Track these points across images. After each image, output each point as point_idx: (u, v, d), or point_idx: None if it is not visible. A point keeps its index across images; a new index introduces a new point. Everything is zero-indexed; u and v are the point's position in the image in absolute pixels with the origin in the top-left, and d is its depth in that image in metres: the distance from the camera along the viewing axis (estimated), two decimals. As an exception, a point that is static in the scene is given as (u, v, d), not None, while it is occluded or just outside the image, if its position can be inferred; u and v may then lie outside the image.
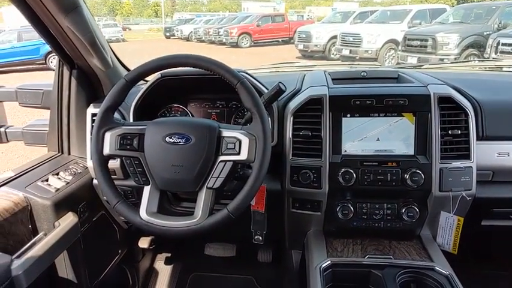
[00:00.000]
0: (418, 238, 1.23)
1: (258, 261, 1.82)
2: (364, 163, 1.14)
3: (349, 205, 1.18)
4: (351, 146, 1.17)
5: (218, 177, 0.96)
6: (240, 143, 0.96)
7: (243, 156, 0.95)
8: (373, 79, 1.38)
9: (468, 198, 1.10)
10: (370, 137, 1.16)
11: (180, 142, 0.96)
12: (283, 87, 1.11)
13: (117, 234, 1.57)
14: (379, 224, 1.18)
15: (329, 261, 1.11)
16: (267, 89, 1.21)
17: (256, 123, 0.96)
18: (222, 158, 0.96)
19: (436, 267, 1.06)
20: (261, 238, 1.23)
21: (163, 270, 1.89)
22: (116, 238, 1.57)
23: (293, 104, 1.21)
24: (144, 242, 1.71)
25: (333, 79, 1.34)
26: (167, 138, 0.97)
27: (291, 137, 1.19)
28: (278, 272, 1.80)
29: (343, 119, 1.16)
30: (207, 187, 0.96)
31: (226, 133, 0.98)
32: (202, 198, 0.96)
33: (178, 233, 0.94)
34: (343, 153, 1.16)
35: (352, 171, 1.13)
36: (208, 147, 0.96)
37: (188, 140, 0.96)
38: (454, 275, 1.03)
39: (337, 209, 1.18)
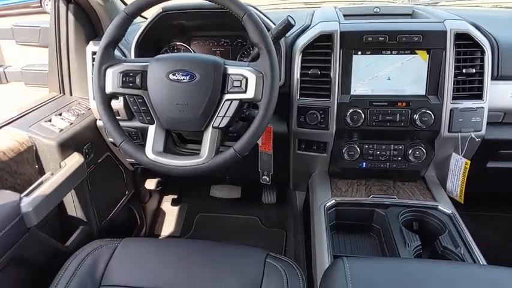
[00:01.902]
0: (422, 179, 1.23)
1: (262, 203, 1.87)
2: (374, 103, 1.11)
3: (356, 146, 1.17)
4: (360, 86, 1.13)
5: (224, 116, 0.94)
6: (247, 80, 0.92)
7: (250, 94, 0.92)
8: (386, 15, 1.31)
9: (477, 140, 1.09)
10: (381, 76, 1.12)
11: (184, 79, 0.93)
12: (292, 21, 1.05)
13: (123, 176, 1.59)
14: (385, 165, 1.18)
15: (333, 200, 1.12)
16: (275, 25, 1.15)
17: (264, 59, 0.92)
18: (228, 96, 0.93)
19: (439, 207, 1.07)
20: (268, 179, 1.24)
21: (170, 211, 1.94)
22: (123, 180, 1.59)
23: (302, 41, 1.15)
24: (150, 184, 1.74)
25: (344, 15, 1.27)
26: (171, 75, 0.93)
27: (299, 76, 1.15)
28: (282, 212, 1.85)
29: (354, 57, 1.12)
30: (212, 126, 0.94)
31: (232, 70, 0.94)
32: (209, 137, 0.95)
33: (185, 172, 0.94)
34: (352, 93, 1.13)
35: (360, 111, 1.11)
36: (214, 85, 0.92)
37: (192, 77, 0.93)
38: (456, 214, 1.05)
39: (344, 150, 1.18)
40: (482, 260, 0.90)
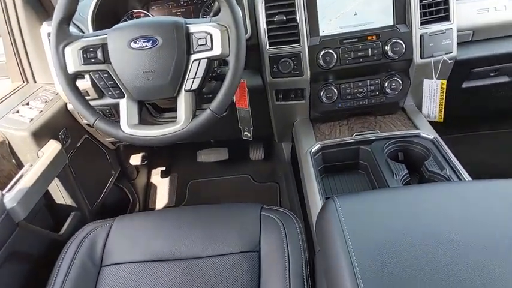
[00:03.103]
0: (402, 110, 1.25)
1: (251, 160, 1.88)
2: (344, 41, 1.09)
3: (333, 87, 1.17)
4: (328, 26, 1.11)
5: (195, 77, 0.91)
6: (211, 36, 0.89)
7: (217, 50, 0.89)
8: None
9: (450, 62, 1.09)
10: (347, 12, 1.09)
11: (146, 46, 0.89)
12: None
13: (106, 156, 1.57)
14: (364, 102, 1.18)
15: (318, 145, 1.13)
16: None
17: (225, 11, 0.89)
18: (195, 56, 0.91)
19: (422, 134, 1.09)
20: (249, 134, 1.23)
21: (161, 184, 1.94)
22: (106, 160, 1.57)
23: (262, -12, 1.11)
24: (135, 159, 1.72)
25: None
26: (132, 44, 0.89)
27: (265, 25, 1.11)
28: (272, 166, 1.88)
29: (317, -4, 1.08)
30: (185, 90, 0.92)
31: (194, 28, 0.90)
32: (183, 102, 0.93)
33: (164, 141, 0.93)
34: (321, 34, 1.11)
35: (332, 51, 1.09)
36: (178, 47, 0.89)
37: (155, 42, 0.89)
38: (439, 138, 1.07)
39: (321, 94, 1.17)
40: (468, 177, 0.93)
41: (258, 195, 1.80)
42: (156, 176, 1.96)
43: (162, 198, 1.88)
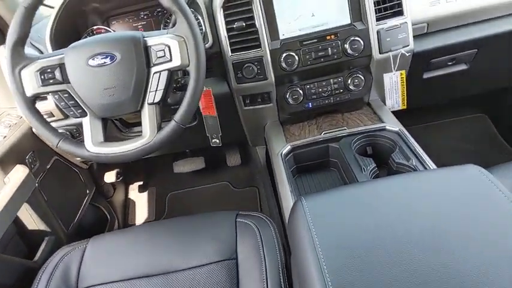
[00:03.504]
0: (368, 105, 1.27)
1: (228, 167, 1.87)
2: (304, 42, 1.11)
3: (298, 89, 1.18)
4: (287, 28, 1.12)
5: (156, 90, 0.91)
6: (169, 48, 0.89)
7: (176, 62, 0.90)
8: None
9: (407, 54, 1.12)
10: (305, 14, 1.11)
11: (105, 63, 0.89)
12: None
13: (79, 175, 1.54)
14: (329, 100, 1.20)
15: (288, 146, 1.14)
16: None
17: (181, 22, 0.89)
18: (155, 69, 0.91)
19: (387, 126, 1.12)
20: (217, 141, 1.23)
21: (139, 199, 1.92)
22: (80, 180, 1.54)
23: (218, -4, 1.12)
24: (110, 177, 1.70)
25: None
26: (90, 61, 0.88)
27: (225, 33, 1.12)
28: (249, 170, 1.88)
29: (274, 0, 1.10)
30: (148, 103, 0.92)
31: (152, 41, 0.91)
32: (147, 115, 0.92)
33: (132, 156, 0.92)
34: (281, 37, 1.12)
35: (293, 53, 1.11)
36: (137, 61, 0.89)
37: (113, 58, 0.88)
38: (403, 129, 1.10)
39: (287, 96, 1.19)
40: (432, 165, 0.95)
41: (238, 202, 1.80)
42: (133, 191, 1.94)
43: (141, 214, 1.85)
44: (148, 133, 0.92)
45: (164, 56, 0.90)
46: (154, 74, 0.90)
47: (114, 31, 1.32)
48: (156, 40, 0.90)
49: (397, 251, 0.57)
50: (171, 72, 0.92)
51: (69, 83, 0.91)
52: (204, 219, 1.05)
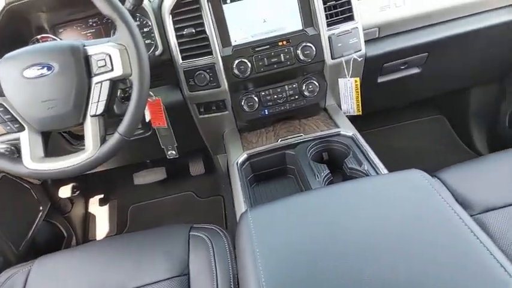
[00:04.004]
0: (324, 110, 1.27)
1: (192, 176, 1.83)
2: (256, 49, 1.09)
3: (253, 96, 1.16)
4: (239, 35, 1.10)
5: (98, 101, 0.87)
6: (110, 57, 0.86)
7: (118, 71, 0.86)
8: None
9: (360, 59, 1.12)
10: (256, 20, 1.10)
11: (42, 74, 0.84)
12: None
13: (31, 192, 1.46)
14: (285, 107, 1.19)
15: (245, 155, 1.12)
16: None
17: (122, 29, 0.86)
18: (96, 79, 0.86)
19: (341, 132, 1.11)
20: (174, 152, 1.20)
21: (100, 213, 1.85)
22: (32, 196, 1.46)
23: (167, 1, 1.08)
24: (65, 191, 1.62)
25: None
26: (26, 73, 0.83)
27: (175, 39, 1.09)
28: (214, 179, 1.84)
29: (224, 6, 1.08)
30: (90, 115, 0.87)
31: (93, 50, 0.87)
32: (89, 128, 0.88)
33: (74, 172, 0.87)
34: (233, 43, 1.10)
35: (245, 60, 1.09)
36: (77, 71, 0.84)
37: (50, 69, 0.84)
38: (357, 133, 1.09)
39: (242, 103, 1.17)
40: (383, 170, 0.95)
41: (203, 212, 1.76)
42: (93, 205, 1.86)
43: (102, 228, 1.78)
44: (91, 147, 0.88)
45: (105, 65, 0.86)
46: (95, 84, 0.87)
47: (61, 40, 1.26)
48: (97, 49, 0.87)
49: (335, 262, 0.55)
50: (114, 82, 0.88)
51: (4, 96, 0.85)
52: (157, 234, 1.01)
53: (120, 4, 0.86)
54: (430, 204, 0.61)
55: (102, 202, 1.86)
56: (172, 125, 1.21)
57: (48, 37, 1.26)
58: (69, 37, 1.28)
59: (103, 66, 0.86)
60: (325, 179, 0.98)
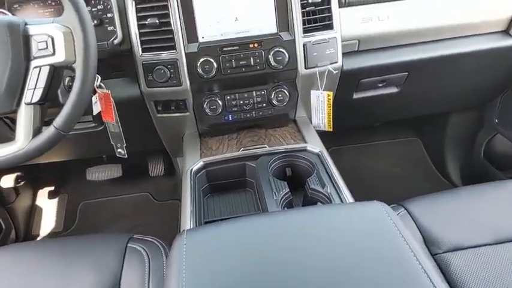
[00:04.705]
0: (294, 122, 1.19)
1: (150, 176, 1.72)
2: (224, 48, 1.00)
3: (217, 99, 1.07)
4: (208, 31, 1.01)
5: (35, 88, 0.77)
6: (53, 40, 0.76)
7: (60, 56, 0.77)
8: None
9: (335, 72, 1.05)
10: (228, 17, 1.01)
11: None
12: None
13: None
14: (251, 114, 1.10)
15: (201, 162, 1.02)
16: None
17: (69, 10, 0.76)
18: (35, 63, 0.77)
19: (308, 147, 1.03)
20: (122, 152, 1.09)
21: (47, 205, 1.71)
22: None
23: (132, -14, 0.98)
24: (7, 181, 1.48)
25: None
26: None
27: (136, 29, 0.99)
28: (174, 182, 1.74)
29: (194, -2, 0.98)
30: (25, 103, 0.77)
31: (35, 29, 0.77)
32: (22, 117, 0.78)
33: None
34: (200, 40, 1.01)
35: (211, 59, 0.99)
36: (13, 51, 0.75)
37: None
38: (324, 151, 1.02)
39: (205, 105, 1.07)
40: (347, 195, 0.87)
41: (158, 215, 1.65)
42: (42, 198, 1.72)
43: (47, 223, 1.64)
44: (21, 138, 0.78)
45: (46, 48, 0.77)
46: (33, 68, 0.77)
47: (14, 16, 1.14)
48: (39, 29, 0.77)
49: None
50: (55, 68, 0.78)
51: None
52: (91, 241, 0.90)
53: None
54: (385, 238, 0.54)
55: (51, 195, 1.72)
56: (129, 122, 1.11)
57: (1, 12, 1.14)
58: (24, 14, 1.15)
59: (44, 49, 0.77)
60: (284, 198, 0.90)
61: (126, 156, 1.07)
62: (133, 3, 0.98)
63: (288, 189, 0.91)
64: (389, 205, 0.64)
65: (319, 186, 0.91)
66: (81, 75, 0.76)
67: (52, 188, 1.74)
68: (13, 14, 1.13)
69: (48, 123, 0.81)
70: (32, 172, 1.63)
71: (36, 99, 0.77)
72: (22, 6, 1.16)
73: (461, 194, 0.93)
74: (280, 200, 0.89)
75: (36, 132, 0.79)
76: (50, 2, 1.16)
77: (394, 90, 1.25)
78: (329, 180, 0.92)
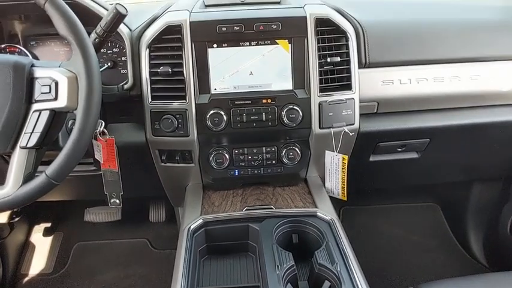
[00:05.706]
0: (305, 182, 1.11)
1: (150, 222, 1.64)
2: (236, 102, 0.96)
3: (224, 152, 1.02)
4: (221, 83, 0.98)
5: (33, 132, 0.74)
6: (57, 84, 0.74)
7: (62, 102, 0.74)
8: (252, 4, 1.17)
9: (351, 134, 0.99)
10: (242, 70, 0.98)
11: None
12: (122, 10, 0.85)
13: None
14: (259, 171, 1.03)
15: (200, 220, 0.95)
16: None
17: (76, 55, 0.74)
18: (36, 106, 0.75)
19: (318, 213, 0.95)
20: (118, 201, 1.03)
21: (42, 243, 1.63)
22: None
23: (148, 34, 0.97)
24: (1, 216, 1.43)
25: (206, 5, 1.11)
26: None
27: (148, 75, 0.96)
28: (174, 230, 1.65)
29: (209, 50, 0.96)
30: (20, 146, 0.74)
31: (40, 72, 0.75)
32: (15, 161, 0.75)
33: None
34: (212, 92, 0.97)
35: (222, 112, 0.95)
36: (14, 93, 0.72)
37: None
38: (335, 219, 0.93)
39: (211, 158, 1.01)
40: (359, 277, 0.77)
41: (153, 265, 1.55)
42: (37, 234, 1.65)
43: (38, 263, 1.56)
44: (9, 184, 0.74)
45: (49, 92, 0.74)
46: (33, 112, 0.75)
47: (31, 53, 1.14)
48: (44, 72, 0.75)
49: None
50: (56, 114, 0.74)
51: None
52: None
53: (80, 26, 0.75)
54: None
55: (46, 232, 1.65)
56: (131, 167, 1.06)
57: (16, 48, 1.14)
58: (41, 52, 1.15)
59: (46, 93, 0.74)
60: (287, 273, 0.80)
61: (121, 206, 1.01)
62: (147, 50, 0.96)
63: (293, 262, 0.82)
64: None
65: (328, 262, 0.81)
66: (80, 123, 0.73)
67: (48, 225, 1.67)
68: (28, 50, 1.13)
69: (48, 163, 0.78)
70: (28, 207, 1.57)
71: (32, 143, 0.74)
72: (39, 43, 1.16)
73: (490, 280, 0.82)
74: (283, 274, 0.79)
75: (27, 178, 0.75)
76: (66, 41, 1.16)
77: (414, 155, 1.18)
78: (339, 256, 0.83)
